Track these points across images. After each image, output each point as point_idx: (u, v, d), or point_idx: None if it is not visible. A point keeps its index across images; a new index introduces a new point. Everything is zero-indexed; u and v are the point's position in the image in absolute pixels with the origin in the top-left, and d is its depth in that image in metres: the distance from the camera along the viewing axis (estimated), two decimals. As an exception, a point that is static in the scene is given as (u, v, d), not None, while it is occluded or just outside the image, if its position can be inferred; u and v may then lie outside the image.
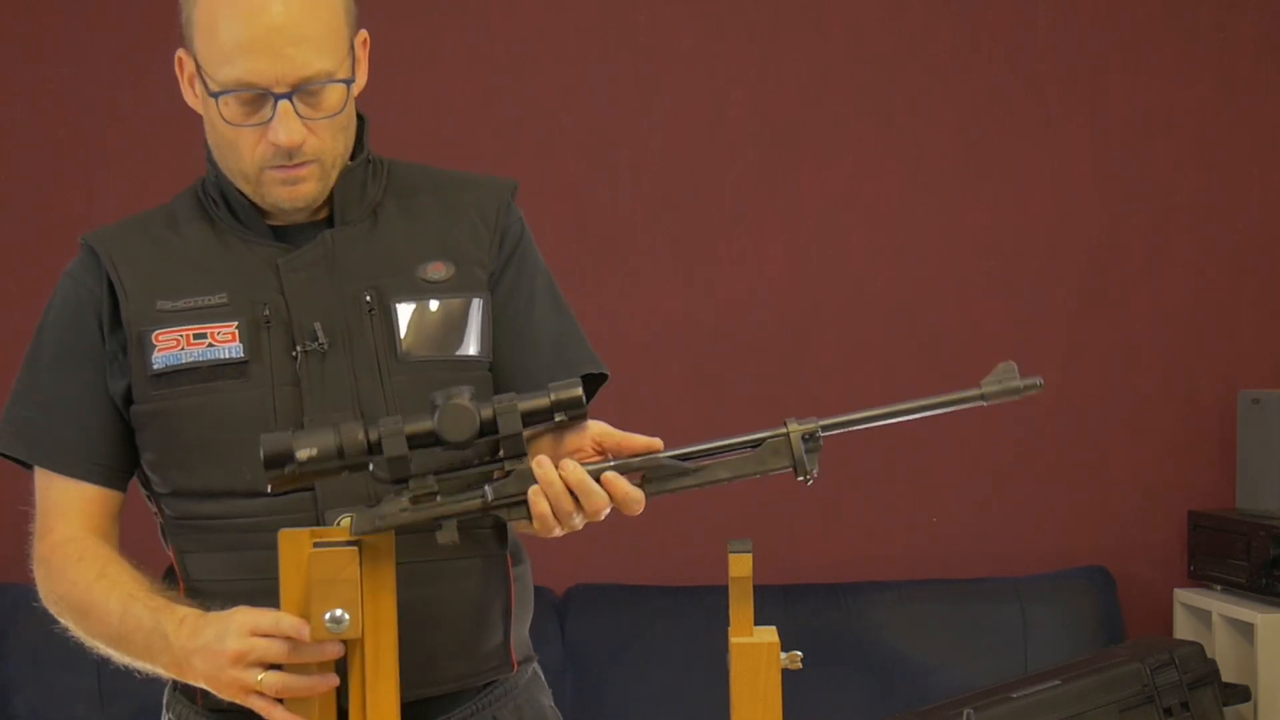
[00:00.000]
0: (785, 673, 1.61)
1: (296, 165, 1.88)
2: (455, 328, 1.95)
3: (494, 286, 1.99)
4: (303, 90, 1.85)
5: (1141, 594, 4.26)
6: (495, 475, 1.76)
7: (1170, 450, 4.29)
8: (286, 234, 1.96)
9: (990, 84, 4.27)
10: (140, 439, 1.95)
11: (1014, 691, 3.62)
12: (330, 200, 1.96)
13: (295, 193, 1.91)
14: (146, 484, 1.98)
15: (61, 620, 1.97)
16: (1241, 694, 3.82)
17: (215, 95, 1.86)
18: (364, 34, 1.95)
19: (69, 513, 1.98)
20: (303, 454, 1.70)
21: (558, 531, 1.76)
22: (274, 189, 1.90)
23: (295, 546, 1.68)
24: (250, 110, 1.86)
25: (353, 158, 1.97)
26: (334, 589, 1.62)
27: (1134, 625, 4.19)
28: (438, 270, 1.96)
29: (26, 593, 4.16)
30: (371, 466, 1.74)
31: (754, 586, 1.62)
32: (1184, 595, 4.15)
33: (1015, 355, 4.47)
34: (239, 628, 1.75)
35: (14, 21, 4.14)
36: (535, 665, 2.08)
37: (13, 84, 4.14)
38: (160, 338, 1.90)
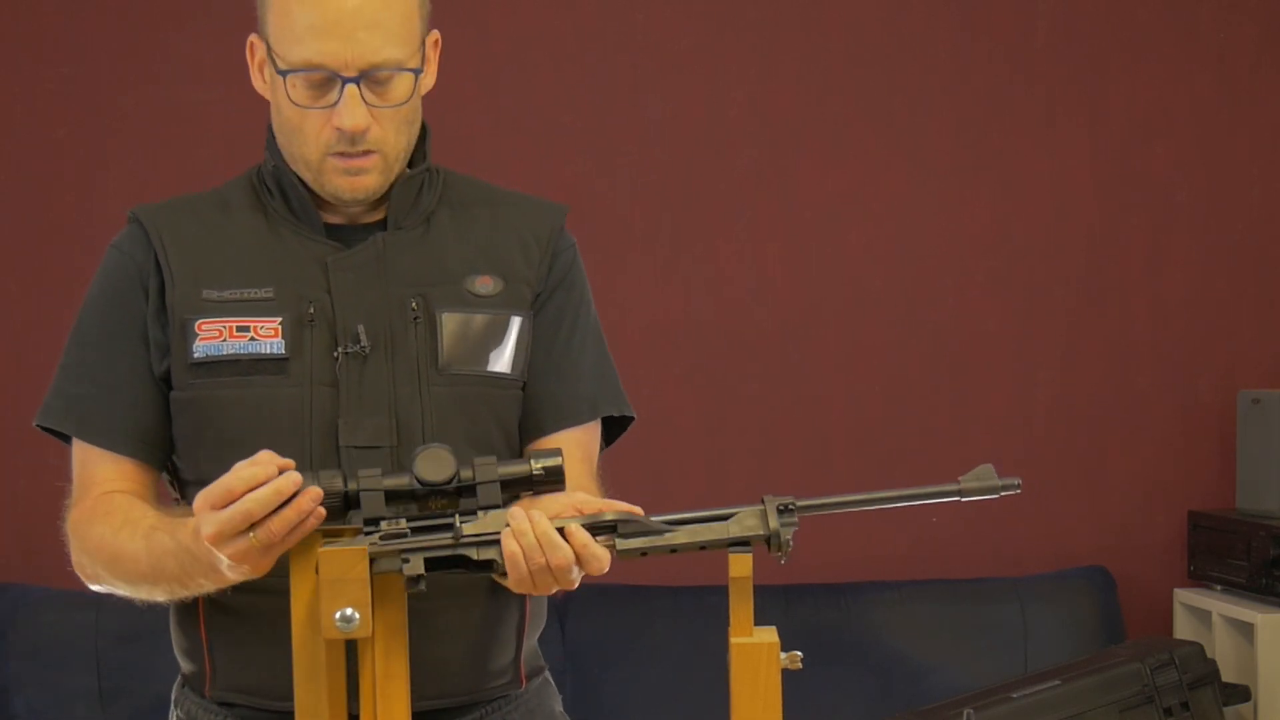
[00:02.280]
0: (785, 673, 1.61)
1: (359, 155, 1.88)
2: (495, 344, 1.93)
3: (539, 309, 1.98)
4: (370, 76, 1.85)
5: (1141, 594, 4.26)
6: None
7: (1170, 450, 4.29)
8: (339, 233, 1.95)
9: (990, 84, 4.27)
10: (174, 424, 1.94)
11: (1014, 691, 3.62)
12: (385, 203, 1.95)
13: (356, 183, 1.90)
14: (173, 470, 1.97)
15: (99, 585, 1.92)
16: (1241, 694, 3.82)
17: (284, 74, 1.86)
18: (436, 34, 1.95)
19: (106, 484, 1.94)
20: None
21: (531, 590, 1.71)
22: (335, 178, 1.90)
23: (305, 545, 1.68)
24: (318, 93, 1.86)
25: (412, 165, 1.96)
26: (344, 588, 1.62)
27: (1134, 625, 4.19)
28: (485, 284, 1.95)
29: (26, 593, 4.20)
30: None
31: (754, 586, 1.61)
32: (1184, 595, 4.15)
33: (1015, 355, 4.50)
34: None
35: (14, 21, 4.14)
36: (546, 673, 2.07)
37: (13, 84, 4.14)
38: (203, 327, 1.89)
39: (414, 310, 1.91)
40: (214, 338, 1.89)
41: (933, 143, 4.26)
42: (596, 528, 1.66)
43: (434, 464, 1.66)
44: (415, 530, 1.64)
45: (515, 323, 1.95)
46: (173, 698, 2.05)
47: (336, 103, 1.85)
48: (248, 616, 1.88)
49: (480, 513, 1.65)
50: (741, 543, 1.62)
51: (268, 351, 1.89)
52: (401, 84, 1.88)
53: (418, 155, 1.97)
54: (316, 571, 1.64)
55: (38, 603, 3.95)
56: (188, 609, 1.94)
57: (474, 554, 1.65)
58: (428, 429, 1.89)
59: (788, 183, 4.25)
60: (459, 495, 1.66)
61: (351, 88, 1.84)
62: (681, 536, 1.64)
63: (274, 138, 1.95)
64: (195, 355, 1.89)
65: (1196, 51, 4.29)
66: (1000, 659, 3.99)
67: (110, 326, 1.97)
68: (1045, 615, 4.07)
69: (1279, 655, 3.85)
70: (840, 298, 4.23)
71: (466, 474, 1.66)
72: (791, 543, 1.63)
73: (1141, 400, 4.29)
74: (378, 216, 1.96)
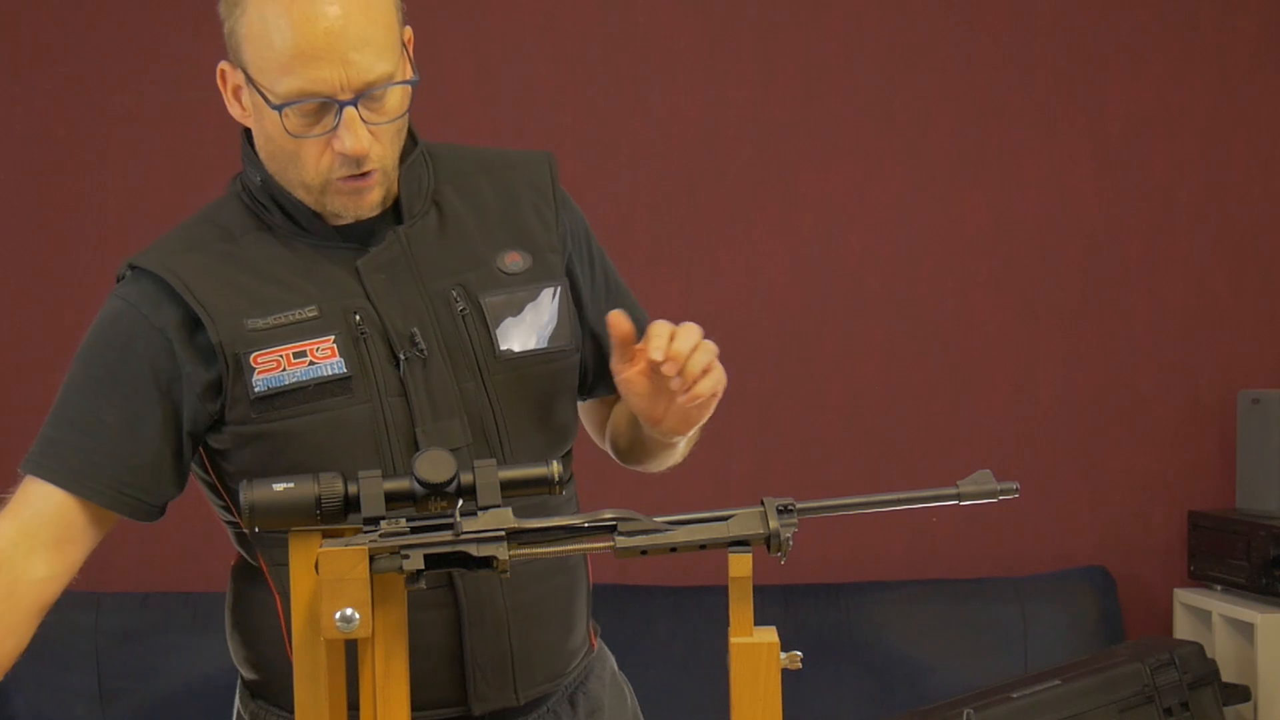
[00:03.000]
0: (785, 673, 1.61)
1: (362, 175, 1.84)
2: (543, 319, 1.93)
3: (571, 269, 1.99)
4: (367, 95, 1.81)
5: (1141, 594, 4.26)
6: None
7: (1170, 450, 4.29)
8: (353, 232, 1.91)
9: (990, 84, 4.27)
10: (231, 459, 1.88)
11: (1014, 691, 3.62)
12: (392, 194, 1.92)
13: (361, 202, 1.87)
14: (232, 498, 1.90)
15: None
16: (1241, 694, 3.82)
17: (278, 108, 1.80)
18: (409, 30, 1.92)
19: (26, 519, 1.86)
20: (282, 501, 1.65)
21: (670, 421, 1.81)
22: (337, 199, 1.86)
23: (305, 546, 1.67)
24: (313, 121, 1.81)
25: (404, 153, 1.93)
26: (344, 588, 1.61)
27: (1134, 625, 4.20)
28: (515, 261, 1.94)
29: (26, 593, 4.16)
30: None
31: (754, 586, 1.61)
32: (1184, 595, 4.15)
33: (1015, 355, 4.49)
34: None
35: (14, 21, 4.14)
36: (620, 678, 2.11)
37: (13, 84, 4.14)
38: (259, 359, 1.83)
39: (458, 301, 1.89)
40: (273, 368, 1.84)
41: (933, 143, 4.26)
42: (597, 527, 1.66)
43: (434, 465, 1.66)
44: (415, 529, 1.64)
45: (555, 293, 1.94)
46: (237, 699, 2.02)
47: (335, 128, 1.80)
48: None
49: (480, 512, 1.65)
50: (741, 543, 1.62)
51: (330, 373, 1.84)
52: (396, 97, 1.85)
53: (407, 143, 1.94)
54: (316, 571, 1.64)
55: (38, 603, 3.95)
56: (256, 619, 1.92)
57: (474, 550, 1.65)
58: (498, 419, 1.89)
59: (788, 183, 4.25)
60: (459, 496, 1.66)
61: (350, 111, 1.80)
62: (681, 536, 1.64)
63: (252, 152, 1.91)
64: (257, 390, 1.83)
65: (1196, 51, 4.30)
66: (1000, 659, 3.99)
67: (103, 374, 1.87)
68: (1045, 615, 4.07)
69: (1279, 655, 3.85)
70: (840, 297, 4.23)
71: (466, 476, 1.66)
72: (791, 542, 1.63)
73: (1141, 400, 4.29)
74: (382, 208, 1.92)
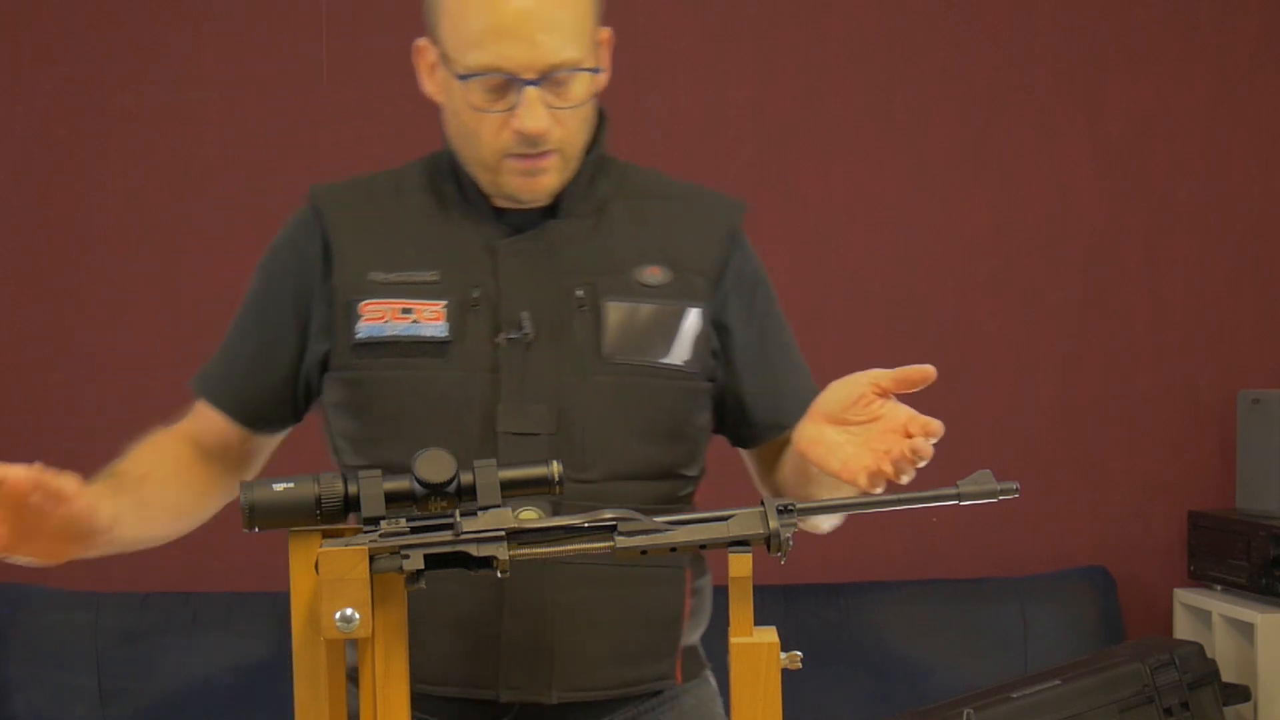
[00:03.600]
0: (785, 673, 1.61)
1: (538, 155, 1.88)
2: (664, 334, 1.92)
3: (723, 305, 1.97)
4: (550, 78, 1.85)
5: (1141, 594, 4.26)
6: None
7: (1170, 450, 4.29)
8: (510, 218, 1.94)
9: (990, 84, 4.27)
10: (335, 407, 1.96)
11: (1014, 691, 3.62)
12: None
13: (535, 184, 1.90)
14: (336, 452, 1.98)
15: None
16: (1241, 694, 3.82)
17: (462, 78, 1.85)
18: (607, 31, 1.95)
19: (188, 423, 2.03)
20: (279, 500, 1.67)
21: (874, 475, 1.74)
22: (512, 179, 1.90)
23: (305, 545, 1.67)
24: (496, 96, 1.86)
25: (586, 154, 1.96)
26: (344, 587, 1.61)
27: (1134, 625, 4.19)
28: (654, 274, 1.94)
29: (26, 593, 4.20)
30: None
31: (754, 586, 1.61)
32: (1184, 595, 4.15)
33: (1015, 355, 4.49)
34: None
35: (14, 21, 4.14)
36: (707, 673, 2.05)
37: (13, 84, 4.14)
38: (367, 308, 1.91)
39: (580, 299, 1.91)
40: (378, 318, 1.90)
41: (933, 143, 4.26)
42: (597, 527, 1.66)
43: (434, 465, 1.66)
44: (415, 529, 1.64)
45: (688, 313, 1.94)
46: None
47: (515, 105, 1.85)
48: (413, 599, 1.87)
49: (480, 512, 1.65)
50: (741, 543, 1.62)
51: (429, 335, 1.90)
52: (580, 84, 1.88)
53: (592, 145, 1.97)
54: (316, 571, 1.64)
55: (38, 603, 3.94)
56: None
57: (474, 550, 1.65)
58: (589, 418, 1.89)
59: (788, 183, 4.25)
60: (459, 497, 1.66)
61: (531, 90, 1.84)
62: (681, 536, 1.64)
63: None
64: (358, 336, 1.90)
65: (1196, 51, 4.29)
66: (1000, 659, 3.99)
67: (255, 294, 2.02)
68: (1045, 615, 4.07)
69: (1279, 655, 3.84)
70: (840, 298, 4.23)
71: (466, 476, 1.66)
72: (791, 542, 1.63)
73: (1141, 400, 4.29)
74: (547, 202, 1.95)
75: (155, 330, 4.10)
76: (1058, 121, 4.28)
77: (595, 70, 1.90)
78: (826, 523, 1.97)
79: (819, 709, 3.89)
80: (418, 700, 1.94)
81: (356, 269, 1.93)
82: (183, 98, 4.12)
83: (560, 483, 1.67)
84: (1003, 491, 1.69)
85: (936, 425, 1.75)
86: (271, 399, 2.00)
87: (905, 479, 1.74)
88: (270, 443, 2.06)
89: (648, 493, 1.90)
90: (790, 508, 1.63)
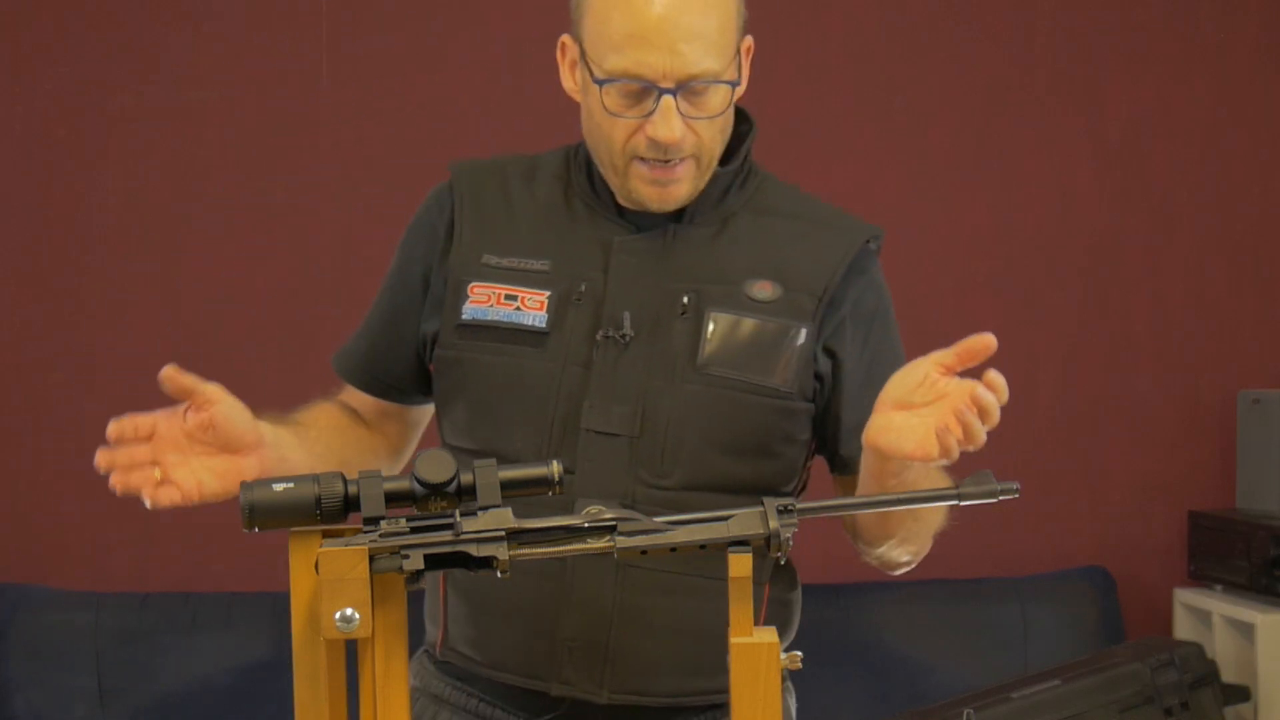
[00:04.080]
0: (785, 673, 1.61)
1: (671, 164, 1.87)
2: (764, 352, 1.90)
3: (836, 330, 1.94)
4: (688, 88, 1.84)
5: (1141, 594, 4.26)
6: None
7: (1170, 450, 4.29)
8: (633, 216, 1.94)
9: (990, 84, 4.27)
10: (437, 382, 1.98)
11: (1014, 691, 3.62)
12: None
13: (666, 194, 1.89)
14: (440, 431, 2.01)
15: None
16: (1241, 694, 3.82)
17: (600, 83, 1.85)
18: (749, 41, 1.96)
19: (347, 398, 2.07)
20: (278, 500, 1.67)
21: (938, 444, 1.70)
22: (641, 186, 1.89)
23: (305, 545, 1.67)
24: (632, 102, 1.85)
25: (726, 163, 1.96)
26: (344, 587, 1.61)
27: (1134, 625, 4.19)
28: (764, 289, 1.92)
29: (26, 593, 4.20)
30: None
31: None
32: (1184, 595, 4.15)
33: (1015, 355, 4.49)
34: None
35: (13, 21, 4.14)
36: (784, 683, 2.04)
37: (13, 84, 4.14)
38: (475, 289, 1.92)
39: (684, 305, 1.90)
40: (483, 301, 1.92)
41: (933, 143, 4.26)
42: (597, 528, 1.66)
43: (434, 465, 1.65)
44: (415, 529, 1.64)
45: (795, 332, 1.92)
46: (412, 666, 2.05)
47: (652, 113, 1.84)
48: (481, 580, 1.87)
49: (480, 512, 1.65)
50: (741, 543, 1.62)
51: (529, 324, 1.90)
52: (718, 95, 1.87)
53: (734, 154, 1.97)
54: (316, 571, 1.64)
55: (38, 603, 3.95)
56: (435, 577, 1.97)
57: (474, 550, 1.64)
58: (673, 425, 1.88)
59: (787, 182, 4.24)
60: (459, 497, 1.65)
61: (668, 99, 1.83)
62: (681, 536, 1.64)
63: None
64: (463, 317, 1.92)
65: (1196, 51, 4.30)
66: (1000, 659, 3.99)
67: (393, 271, 2.04)
68: (1045, 615, 4.07)
69: (1279, 655, 3.85)
70: (840, 298, 4.23)
71: (466, 476, 1.66)
72: (791, 542, 1.62)
73: (1141, 400, 4.29)
74: (676, 208, 1.94)
75: (155, 330, 4.10)
76: (1058, 122, 4.28)
77: (734, 83, 1.89)
78: (902, 555, 2.00)
79: (819, 709, 3.89)
80: (474, 680, 1.95)
81: (472, 249, 1.94)
82: (183, 98, 4.12)
83: (560, 483, 1.66)
84: (1003, 491, 1.68)
85: (1001, 383, 1.73)
86: (404, 371, 2.02)
87: (973, 445, 1.71)
88: (426, 411, 2.09)
89: (726, 506, 1.88)
90: (790, 508, 1.63)
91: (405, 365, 2.02)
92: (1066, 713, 3.59)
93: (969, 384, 1.73)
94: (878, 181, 4.25)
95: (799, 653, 1.62)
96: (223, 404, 1.79)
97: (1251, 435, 4.12)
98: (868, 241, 2.01)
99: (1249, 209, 4.32)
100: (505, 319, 1.91)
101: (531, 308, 1.91)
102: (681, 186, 1.90)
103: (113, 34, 4.14)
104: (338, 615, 1.62)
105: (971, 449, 1.71)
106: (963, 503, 1.69)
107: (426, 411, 2.09)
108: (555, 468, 1.65)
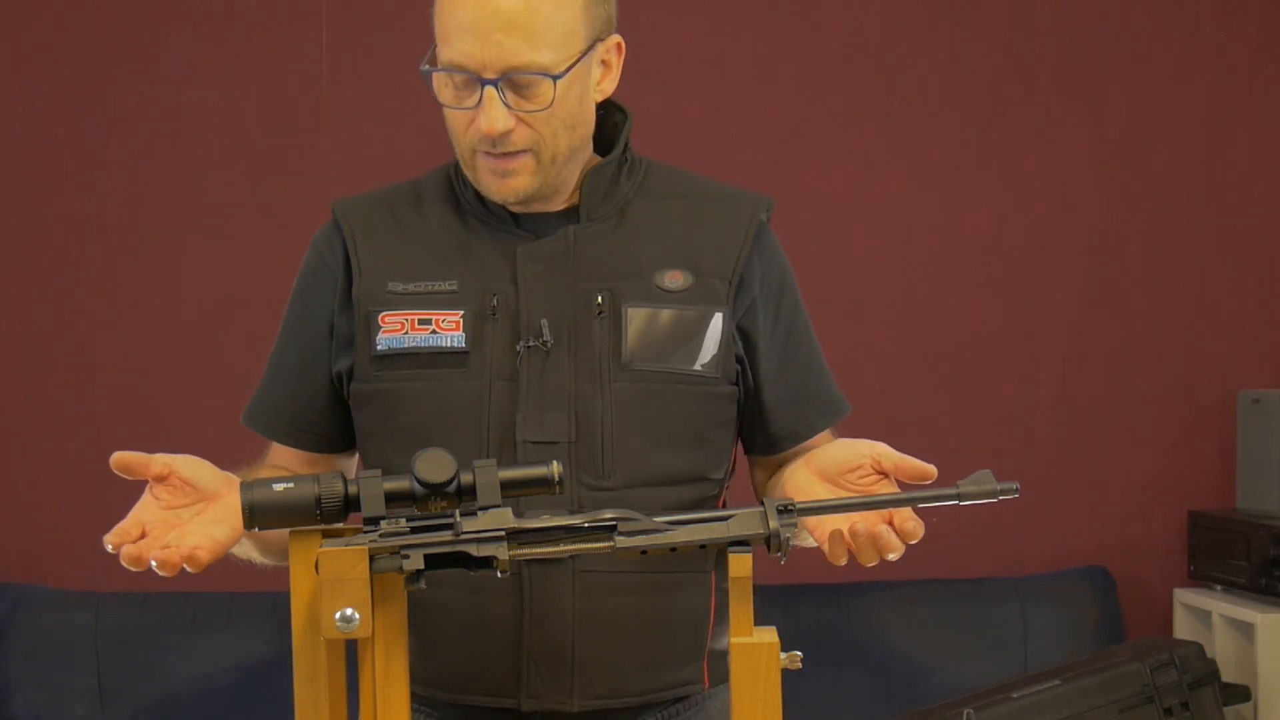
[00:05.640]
0: (785, 673, 1.61)
1: (506, 156, 1.86)
2: (684, 340, 1.91)
3: (747, 309, 1.95)
4: (509, 79, 1.83)
5: (1141, 594, 4.26)
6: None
7: (1170, 450, 4.29)
8: (530, 223, 1.93)
9: (990, 84, 4.27)
10: (358, 418, 1.96)
11: (1014, 691, 3.62)
12: (579, 194, 1.94)
13: (505, 185, 1.88)
14: (366, 462, 1.99)
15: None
16: (1241, 694, 3.82)
17: (426, 72, 1.87)
18: (617, 39, 1.93)
19: (271, 460, 2.03)
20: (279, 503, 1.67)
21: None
22: (485, 177, 1.89)
23: (305, 545, 1.67)
24: (463, 93, 1.85)
25: (608, 153, 1.95)
26: (344, 587, 1.61)
27: (1134, 625, 4.19)
28: (675, 279, 1.92)
29: (26, 593, 4.19)
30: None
31: (754, 586, 1.61)
32: (1184, 595, 4.15)
33: (1015, 355, 4.49)
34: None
35: (14, 21, 4.14)
36: None
37: (13, 84, 4.14)
38: (386, 319, 1.91)
39: (599, 305, 1.89)
40: (396, 330, 1.90)
41: (933, 143, 4.26)
42: (597, 527, 1.66)
43: (434, 465, 1.65)
44: (415, 529, 1.64)
45: (710, 318, 1.92)
46: None
47: (478, 104, 1.84)
48: (432, 609, 1.88)
49: (480, 512, 1.65)
50: (741, 543, 1.62)
51: (448, 345, 1.89)
52: (543, 89, 1.84)
53: (611, 144, 1.96)
54: (316, 571, 1.64)
55: (38, 603, 3.95)
56: None
57: (474, 550, 1.64)
58: (607, 425, 1.88)
59: (788, 183, 4.24)
60: (459, 496, 1.65)
61: (490, 90, 1.83)
62: (681, 536, 1.64)
63: None
64: (378, 348, 1.90)
65: (1196, 51, 4.29)
66: (1000, 659, 3.99)
67: (293, 319, 2.02)
68: (1045, 615, 4.07)
69: (1279, 655, 3.84)
70: (840, 298, 4.23)
71: (466, 476, 1.66)
72: (791, 542, 1.62)
73: (1141, 400, 4.29)
74: (570, 204, 1.94)
75: (155, 330, 4.10)
76: (1058, 121, 4.28)
77: (556, 77, 1.83)
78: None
79: (819, 709, 3.89)
80: (438, 706, 1.94)
81: (376, 280, 1.92)
82: (183, 98, 4.12)
83: (560, 483, 1.66)
84: (1003, 492, 1.68)
85: (916, 528, 1.70)
86: (325, 418, 2.00)
87: (866, 562, 1.72)
88: (353, 464, 2.05)
89: (670, 498, 1.89)
90: (790, 508, 1.63)
91: (330, 413, 2.00)
92: (1066, 713, 3.59)
93: (887, 512, 1.71)
94: (878, 181, 4.25)
95: (799, 653, 1.62)
96: (177, 461, 1.77)
97: (1251, 435, 4.12)
98: (762, 215, 2.00)
99: (1249, 209, 4.31)
100: (423, 344, 1.89)
101: (447, 329, 1.89)
102: (520, 179, 1.88)
103: (113, 34, 4.14)
104: (338, 615, 1.62)
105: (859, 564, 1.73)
106: (963, 503, 1.69)
107: (353, 464, 2.06)
108: (555, 468, 1.65)
